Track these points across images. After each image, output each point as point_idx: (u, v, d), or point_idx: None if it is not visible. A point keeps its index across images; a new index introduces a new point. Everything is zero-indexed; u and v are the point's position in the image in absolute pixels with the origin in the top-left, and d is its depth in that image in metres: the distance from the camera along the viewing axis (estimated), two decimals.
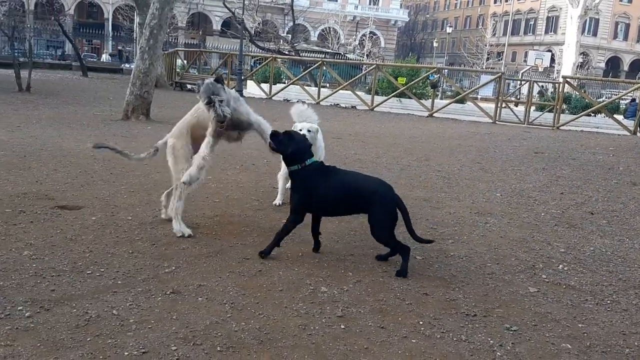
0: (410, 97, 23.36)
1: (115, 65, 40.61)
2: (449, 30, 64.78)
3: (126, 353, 2.78)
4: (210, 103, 4.32)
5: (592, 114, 22.90)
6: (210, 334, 3.03)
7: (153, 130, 11.27)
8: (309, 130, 5.30)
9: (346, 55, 43.78)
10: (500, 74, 23.56)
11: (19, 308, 3.16)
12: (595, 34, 65.28)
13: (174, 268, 3.94)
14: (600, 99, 26.69)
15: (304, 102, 6.17)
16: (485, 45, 57.76)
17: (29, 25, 42.95)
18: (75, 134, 9.85)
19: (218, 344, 2.93)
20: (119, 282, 3.66)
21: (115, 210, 5.30)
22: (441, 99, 28.81)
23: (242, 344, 2.96)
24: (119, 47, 54.49)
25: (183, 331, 3.04)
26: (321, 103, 23.94)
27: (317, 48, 46.84)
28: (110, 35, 53.22)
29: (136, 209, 5.36)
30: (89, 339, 2.88)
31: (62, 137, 9.33)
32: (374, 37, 62.64)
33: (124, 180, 6.52)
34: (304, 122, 5.68)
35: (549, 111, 22.29)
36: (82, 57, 35.60)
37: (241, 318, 3.25)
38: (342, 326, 3.27)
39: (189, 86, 26.72)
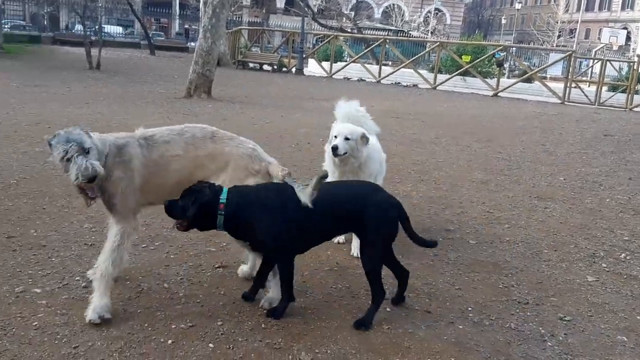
0: (474, 76, 22.73)
1: (181, 44, 41.44)
2: (518, 6, 62.20)
3: (174, 326, 2.86)
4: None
5: None
6: (256, 311, 3.07)
7: (214, 108, 11.47)
8: (346, 138, 3.83)
9: (410, 32, 42.97)
10: (570, 52, 22.50)
11: (76, 278, 3.31)
12: None
13: (224, 244, 4.01)
14: None
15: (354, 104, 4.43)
16: (557, 22, 55.17)
17: (100, 5, 44.46)
18: (140, 111, 10.15)
19: (263, 321, 2.97)
20: (172, 256, 3.77)
21: None
22: (507, 77, 27.86)
23: (288, 322, 2.98)
24: (186, 26, 55.52)
25: (230, 307, 3.09)
26: (382, 81, 23.66)
27: (380, 25, 46.19)
28: (178, 13, 54.24)
29: None
30: (139, 311, 2.99)
31: (127, 114, 9.64)
32: (440, 13, 61.01)
33: None
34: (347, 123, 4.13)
35: (622, 92, 21.14)
36: (150, 35, 36.51)
37: None
38: (388, 309, 3.24)
39: (251, 65, 27.00)
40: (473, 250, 4.35)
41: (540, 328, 3.14)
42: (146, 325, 2.85)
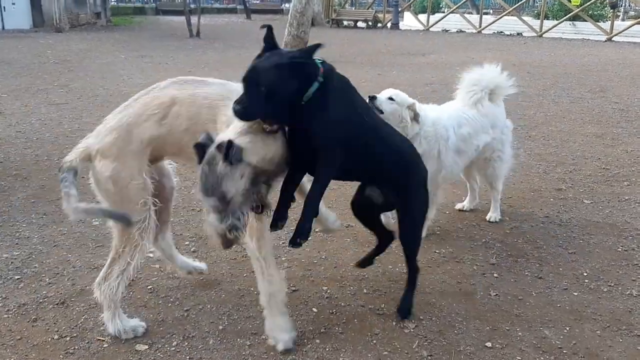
0: (585, 20, 21.04)
1: (276, 6, 41.81)
2: None
3: None
4: None
5: None
6: (357, 276, 3.06)
7: None
8: (390, 99, 3.32)
9: None
10: None
11: (185, 243, 3.45)
12: None
13: (327, 207, 4.01)
14: None
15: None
16: None
17: None
18: (239, 76, 10.33)
19: (365, 286, 2.95)
20: None
21: None
22: (622, 20, 25.51)
23: (390, 288, 2.95)
24: None
25: (331, 272, 3.10)
26: (483, 32, 22.54)
27: None
28: None
29: None
30: (244, 275, 3.07)
31: (227, 79, 9.84)
32: None
33: None
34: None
35: None
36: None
37: (388, 261, 3.23)
38: (495, 274, 3.11)
39: (345, 22, 26.67)
40: (588, 211, 4.06)
41: None
42: (252, 288, 2.91)
